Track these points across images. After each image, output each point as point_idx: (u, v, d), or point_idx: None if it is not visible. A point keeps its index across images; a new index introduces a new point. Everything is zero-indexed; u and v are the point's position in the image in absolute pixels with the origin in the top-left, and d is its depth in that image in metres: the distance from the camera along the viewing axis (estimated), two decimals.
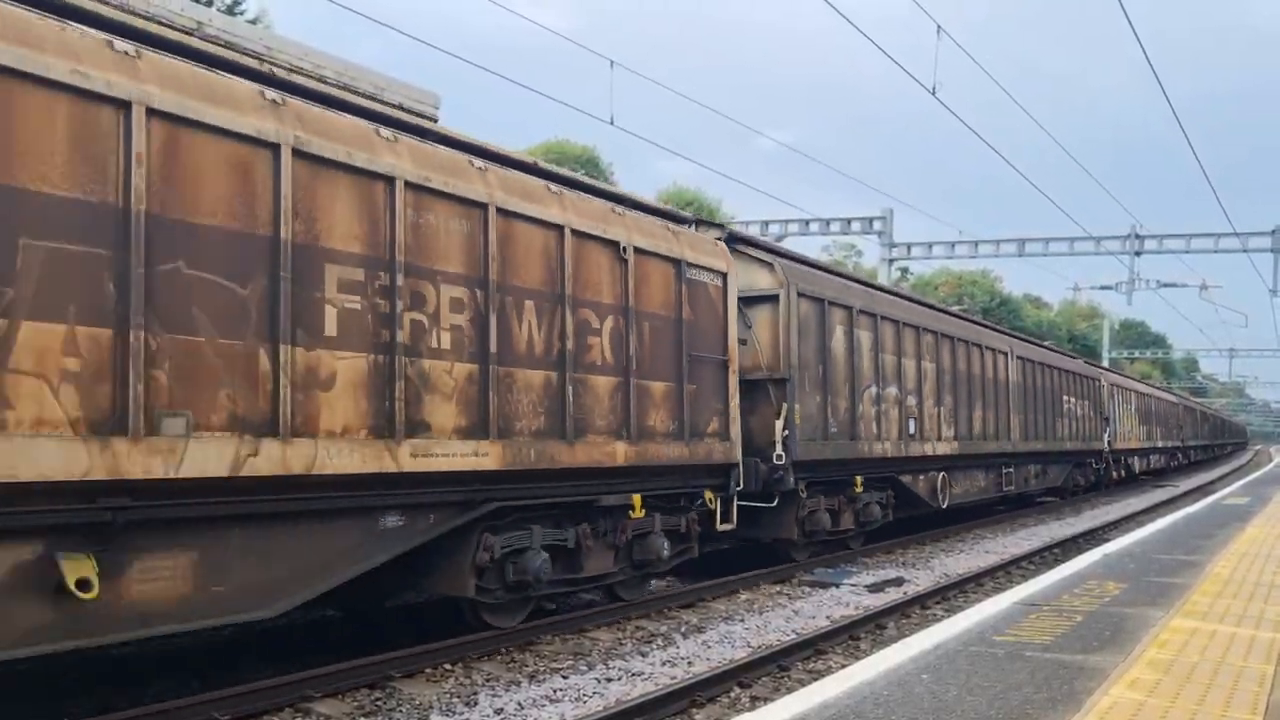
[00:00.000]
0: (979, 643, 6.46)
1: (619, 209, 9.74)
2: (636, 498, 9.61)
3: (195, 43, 6.56)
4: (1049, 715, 4.84)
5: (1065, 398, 25.83)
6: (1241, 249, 31.01)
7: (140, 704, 6.25)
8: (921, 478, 16.74)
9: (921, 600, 11.30)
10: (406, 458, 7.13)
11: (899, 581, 12.67)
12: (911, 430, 15.95)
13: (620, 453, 9.20)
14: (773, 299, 12.55)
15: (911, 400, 15.98)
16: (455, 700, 7.01)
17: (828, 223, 32.69)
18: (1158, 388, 50.82)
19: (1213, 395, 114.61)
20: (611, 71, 16.77)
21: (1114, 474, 32.37)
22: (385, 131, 7.31)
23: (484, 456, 7.77)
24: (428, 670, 7.65)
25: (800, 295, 12.85)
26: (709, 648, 8.81)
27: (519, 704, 6.91)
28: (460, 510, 7.83)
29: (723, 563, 12.99)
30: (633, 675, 7.77)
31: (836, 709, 4.91)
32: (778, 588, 12.11)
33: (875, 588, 12.02)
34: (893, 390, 15.33)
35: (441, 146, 7.90)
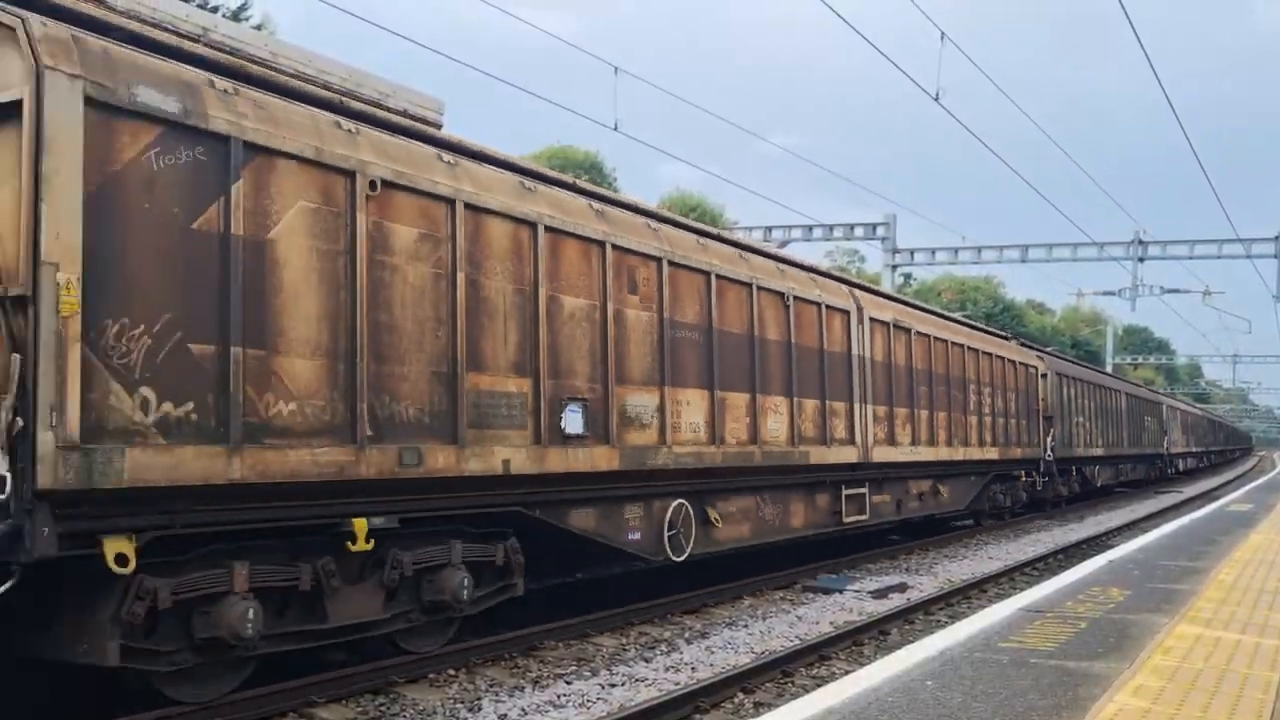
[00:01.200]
0: (983, 649, 6.47)
1: (1009, 342, 22.05)
2: (1021, 473, 21.83)
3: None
4: None
5: (1145, 417, 38.22)
6: (1245, 255, 31.38)
7: (141, 709, 6.22)
8: (1089, 468, 28.91)
9: (925, 606, 11.32)
10: (982, 453, 18.76)
11: (902, 587, 12.70)
12: (1087, 440, 27.89)
13: (1018, 452, 21.08)
14: (1045, 375, 23.90)
15: (1087, 423, 27.88)
16: (459, 706, 7.01)
17: (831, 228, 32.83)
18: (1190, 406, 64.67)
19: (1216, 401, 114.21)
20: (616, 77, 16.85)
21: (1169, 470, 43.60)
22: (964, 330, 19.24)
23: (992, 452, 19.41)
24: (431, 675, 7.70)
25: (1056, 373, 24.71)
26: (713, 653, 8.83)
27: (522, 709, 6.91)
28: (983, 477, 19.65)
29: (727, 568, 12.97)
30: (636, 681, 7.77)
31: (841, 715, 4.91)
32: (781, 593, 12.13)
33: (879, 594, 12.06)
34: (1081, 418, 27.18)
35: (950, 324, 20.03)
